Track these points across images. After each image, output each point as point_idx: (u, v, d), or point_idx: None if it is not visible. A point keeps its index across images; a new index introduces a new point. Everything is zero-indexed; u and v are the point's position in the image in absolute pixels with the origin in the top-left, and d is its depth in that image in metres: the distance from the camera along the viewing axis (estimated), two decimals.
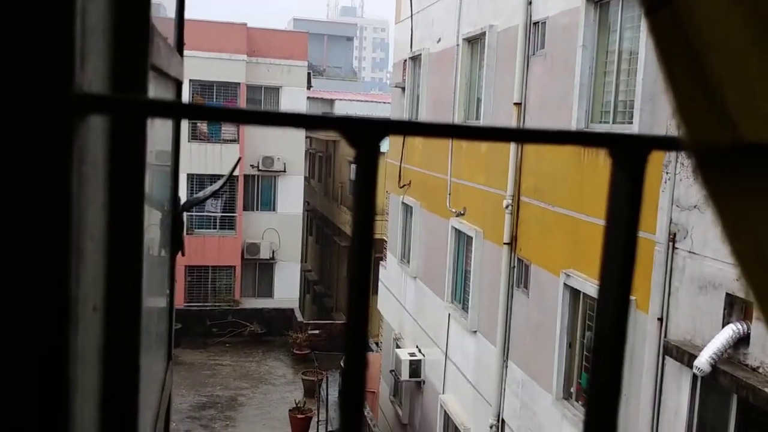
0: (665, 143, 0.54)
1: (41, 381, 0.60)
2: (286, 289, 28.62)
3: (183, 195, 2.87)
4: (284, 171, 28.14)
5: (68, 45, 0.59)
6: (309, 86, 29.67)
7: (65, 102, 0.58)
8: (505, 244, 11.22)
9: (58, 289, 0.60)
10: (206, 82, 26.74)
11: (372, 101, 36.13)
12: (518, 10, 11.02)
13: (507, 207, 11.15)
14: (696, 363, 6.46)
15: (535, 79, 10.76)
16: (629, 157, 0.51)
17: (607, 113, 9.06)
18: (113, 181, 1.00)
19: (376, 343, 20.69)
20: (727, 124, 0.46)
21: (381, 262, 19.25)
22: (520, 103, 11.02)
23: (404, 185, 16.56)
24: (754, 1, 0.44)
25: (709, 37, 0.46)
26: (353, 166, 0.54)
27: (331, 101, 34.10)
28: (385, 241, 18.94)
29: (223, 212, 27.67)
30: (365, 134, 0.47)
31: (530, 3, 10.81)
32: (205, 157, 26.33)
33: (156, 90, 1.59)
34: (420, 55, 15.98)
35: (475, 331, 12.66)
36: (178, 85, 2.36)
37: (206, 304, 26.99)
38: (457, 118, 13.54)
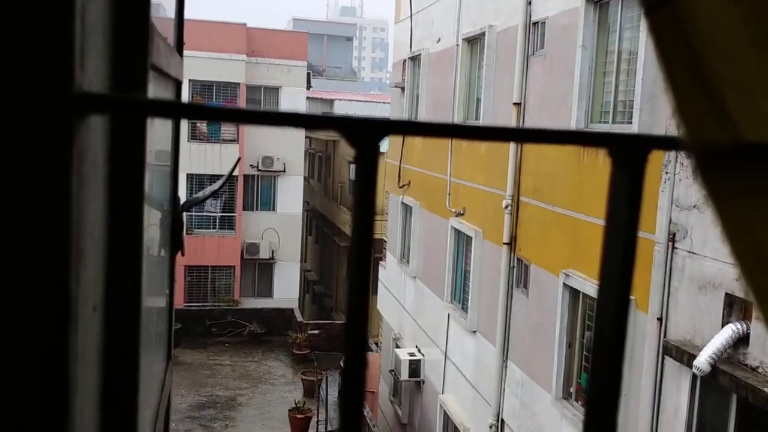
0: (665, 143, 0.54)
1: (41, 381, 0.60)
2: (286, 289, 28.62)
3: (182, 195, 2.87)
4: (284, 171, 28.14)
5: (68, 44, 0.59)
6: (308, 86, 29.67)
7: (65, 102, 0.58)
8: (504, 244, 11.23)
9: (58, 289, 0.60)
10: (206, 82, 26.74)
11: (371, 101, 36.11)
12: (518, 10, 11.02)
13: (506, 207, 11.15)
14: (695, 363, 6.46)
15: (534, 79, 10.76)
16: (629, 156, 0.51)
17: (607, 113, 9.06)
18: (113, 180, 1.00)
19: (376, 343, 20.69)
20: (726, 124, 0.46)
21: (380, 262, 19.25)
22: (520, 103, 11.02)
23: (404, 185, 16.56)
24: (753, 1, 0.44)
25: (708, 37, 0.46)
26: (353, 166, 0.54)
27: (331, 101, 34.10)
28: (385, 241, 18.94)
29: (222, 212, 27.67)
30: (365, 134, 0.47)
31: (530, 3, 10.81)
32: (204, 157, 26.33)
33: (156, 90, 1.59)
34: (419, 55, 15.98)
35: (475, 331, 12.66)
36: (178, 85, 2.36)
37: (206, 304, 26.99)
38: (457, 118, 13.54)
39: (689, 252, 7.12)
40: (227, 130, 27.12)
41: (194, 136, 26.74)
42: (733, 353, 6.39)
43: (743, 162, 0.47)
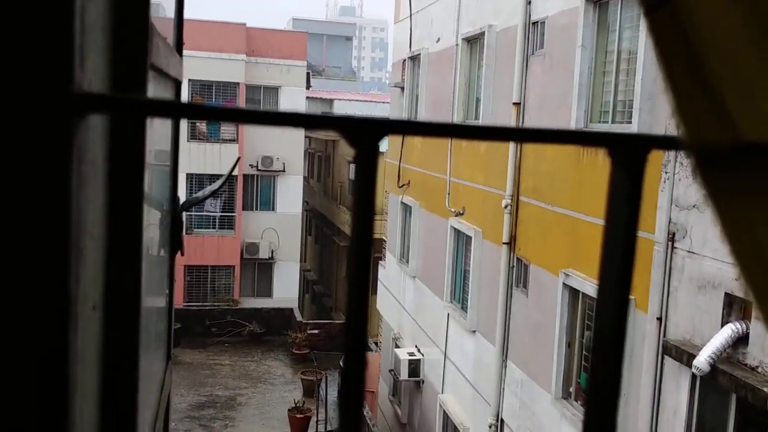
0: (664, 143, 0.54)
1: (41, 380, 0.60)
2: (286, 289, 28.63)
3: (182, 194, 2.87)
4: (283, 171, 28.14)
5: (68, 43, 0.59)
6: (308, 86, 29.67)
7: (65, 101, 0.58)
8: (504, 243, 11.23)
9: (58, 288, 0.60)
10: (205, 81, 26.74)
11: (371, 101, 36.11)
12: (517, 10, 11.02)
13: (506, 207, 11.15)
14: (695, 362, 6.46)
15: (534, 78, 10.76)
16: (628, 156, 0.51)
17: (606, 113, 9.07)
18: (113, 180, 1.00)
19: (375, 343, 20.69)
20: (726, 124, 0.46)
21: (380, 261, 19.25)
22: (519, 103, 11.02)
23: (403, 185, 16.56)
24: (753, 1, 0.44)
25: (708, 37, 0.46)
26: (352, 166, 0.54)
27: (331, 101, 34.10)
28: (384, 241, 18.94)
29: (222, 212, 27.67)
30: (364, 134, 0.47)
31: (529, 3, 10.81)
32: (204, 156, 26.33)
33: (155, 90, 1.59)
34: (419, 54, 15.98)
35: (474, 331, 12.66)
36: (178, 84, 2.36)
37: (205, 303, 26.99)
38: (456, 118, 13.54)
39: (689, 252, 7.12)
40: (227, 129, 27.12)
41: (194, 135, 26.74)
42: (733, 353, 6.39)
43: (743, 162, 0.47)
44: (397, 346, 16.71)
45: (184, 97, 21.88)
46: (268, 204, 28.57)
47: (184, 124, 21.80)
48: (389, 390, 17.75)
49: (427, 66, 15.65)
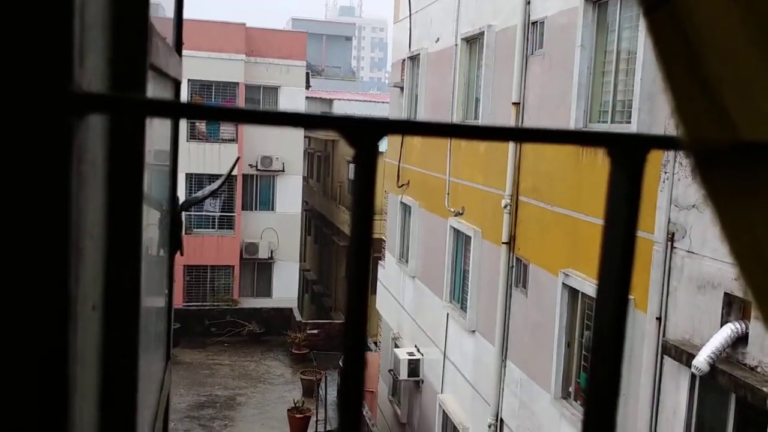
0: (664, 142, 0.54)
1: (41, 380, 0.60)
2: (285, 289, 28.62)
3: (181, 194, 2.87)
4: (283, 171, 28.14)
5: (67, 42, 0.59)
6: (308, 86, 29.66)
7: (64, 101, 0.58)
8: (503, 243, 11.23)
9: (58, 288, 0.60)
10: (205, 81, 26.74)
11: (371, 101, 36.11)
12: (516, 10, 11.02)
13: (505, 206, 11.15)
14: (694, 362, 6.46)
15: (533, 78, 10.76)
16: (628, 156, 0.51)
17: (606, 113, 9.07)
18: (112, 180, 1.00)
19: (375, 343, 20.69)
20: (726, 124, 0.46)
21: (380, 261, 19.25)
22: (519, 103, 11.02)
23: (403, 185, 16.56)
24: (753, 1, 0.44)
25: (708, 37, 0.46)
26: (352, 166, 0.54)
27: (330, 101, 34.09)
28: (384, 241, 18.94)
29: (221, 212, 27.67)
30: (364, 134, 0.47)
31: (528, 3, 10.81)
32: (203, 156, 26.33)
33: (155, 89, 1.59)
34: (418, 54, 15.98)
35: (474, 331, 12.66)
36: (177, 84, 2.36)
37: (205, 303, 26.99)
38: (456, 118, 13.54)
39: (688, 251, 7.12)
40: (226, 129, 27.12)
41: (193, 135, 26.74)
42: (732, 353, 6.39)
43: (742, 161, 0.47)
44: (396, 346, 16.71)
45: (184, 97, 21.88)
46: (268, 204, 28.57)
47: (183, 124, 21.79)
48: (389, 390, 17.75)
49: (427, 66, 15.65)
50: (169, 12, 2.71)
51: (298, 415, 19.15)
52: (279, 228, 28.26)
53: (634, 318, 7.72)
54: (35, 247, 0.59)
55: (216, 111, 0.50)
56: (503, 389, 11.43)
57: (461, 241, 13.51)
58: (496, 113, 11.98)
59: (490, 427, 11.63)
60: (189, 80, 25.73)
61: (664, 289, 7.42)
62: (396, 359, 15.76)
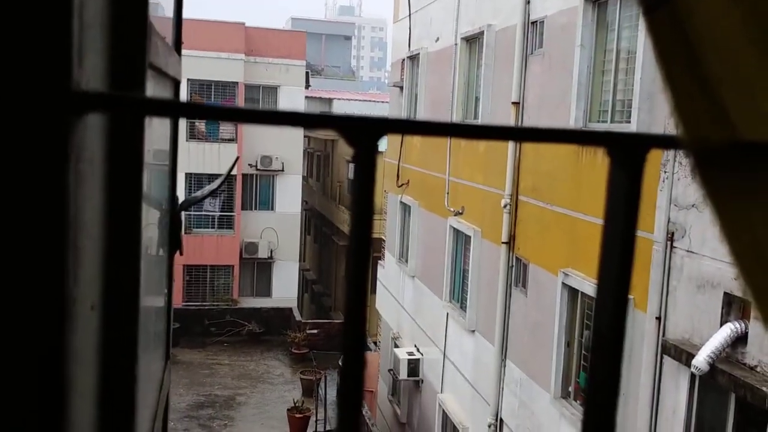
0: (663, 142, 0.54)
1: (40, 380, 0.60)
2: (285, 289, 28.63)
3: (181, 194, 2.87)
4: (282, 170, 28.14)
5: (66, 41, 0.59)
6: (307, 85, 29.66)
7: (63, 100, 0.58)
8: (503, 243, 11.23)
9: (56, 288, 0.60)
10: (204, 81, 26.74)
11: (370, 100, 36.13)
12: (516, 10, 11.02)
13: (505, 206, 11.15)
14: (694, 362, 6.46)
15: (533, 78, 10.76)
16: (627, 155, 0.51)
17: (605, 112, 9.07)
18: (111, 179, 1.00)
19: (375, 343, 20.70)
20: (725, 124, 0.46)
21: (379, 261, 19.25)
22: (519, 103, 11.02)
23: (402, 184, 16.56)
24: (753, 1, 0.44)
25: (707, 37, 0.46)
26: (351, 165, 0.54)
27: (330, 100, 34.11)
28: (384, 241, 18.94)
29: (221, 211, 27.67)
30: (363, 133, 0.47)
31: (528, 2, 10.82)
32: (203, 156, 26.32)
33: (154, 89, 1.59)
34: (418, 54, 15.98)
35: (474, 331, 12.66)
36: (176, 84, 2.36)
37: (204, 303, 26.99)
38: (456, 117, 13.54)
39: (688, 251, 7.12)
40: (226, 129, 27.12)
41: (193, 135, 26.74)
42: (732, 352, 6.40)
43: (742, 161, 0.47)
44: (396, 346, 16.72)
45: (183, 96, 21.88)
46: (267, 203, 28.57)
47: (182, 124, 21.80)
48: (388, 389, 17.76)
49: (426, 65, 15.65)
50: (169, 11, 2.71)
51: (297, 415, 19.15)
52: (278, 227, 28.27)
53: (634, 318, 7.72)
54: (33, 246, 0.59)
55: (215, 110, 0.50)
56: (503, 389, 11.43)
57: (461, 240, 13.51)
58: (495, 113, 11.98)
59: (489, 426, 11.63)
60: (188, 80, 25.74)
61: (663, 289, 7.42)
62: (396, 359, 15.77)
